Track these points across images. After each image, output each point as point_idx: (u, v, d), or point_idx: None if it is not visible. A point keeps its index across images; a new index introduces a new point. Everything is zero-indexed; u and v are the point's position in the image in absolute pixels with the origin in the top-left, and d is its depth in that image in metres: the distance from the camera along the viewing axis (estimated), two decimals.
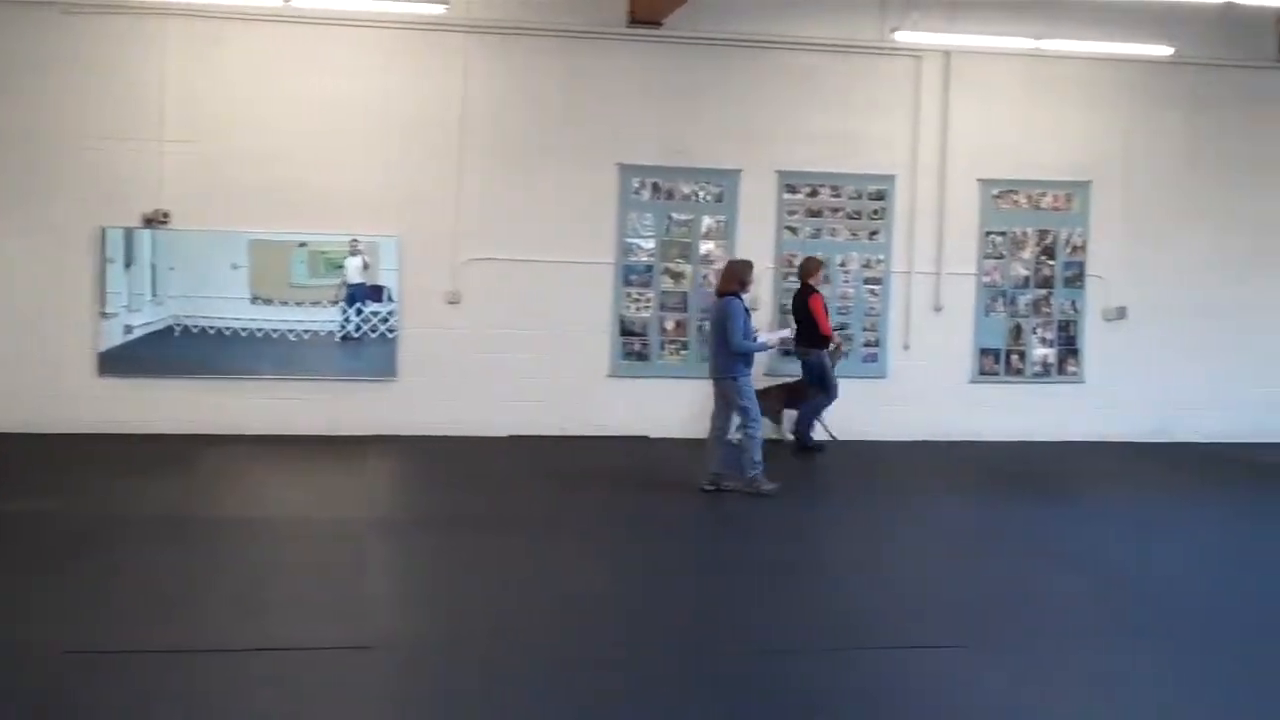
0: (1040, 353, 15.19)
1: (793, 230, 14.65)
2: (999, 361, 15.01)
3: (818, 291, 13.89)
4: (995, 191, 14.96)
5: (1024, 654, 7.31)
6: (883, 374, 14.80)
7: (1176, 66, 14.87)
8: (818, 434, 14.02)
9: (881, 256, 14.79)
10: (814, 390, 13.89)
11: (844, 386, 14.03)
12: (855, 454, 13.79)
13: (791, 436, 13.96)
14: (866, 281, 14.81)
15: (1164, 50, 14.19)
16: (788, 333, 12.86)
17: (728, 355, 11.26)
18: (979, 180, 14.87)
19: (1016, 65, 14.73)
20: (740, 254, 14.38)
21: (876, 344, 14.84)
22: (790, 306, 14.13)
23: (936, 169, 14.77)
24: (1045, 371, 15.19)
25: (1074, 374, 15.23)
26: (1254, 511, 11.77)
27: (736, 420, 11.42)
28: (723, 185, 14.47)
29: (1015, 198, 15.02)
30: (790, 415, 14.10)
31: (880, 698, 6.55)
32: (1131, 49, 14.26)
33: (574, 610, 7.86)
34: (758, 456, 11.29)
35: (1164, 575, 9.23)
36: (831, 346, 13.95)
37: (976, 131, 14.80)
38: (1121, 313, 15.17)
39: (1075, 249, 15.16)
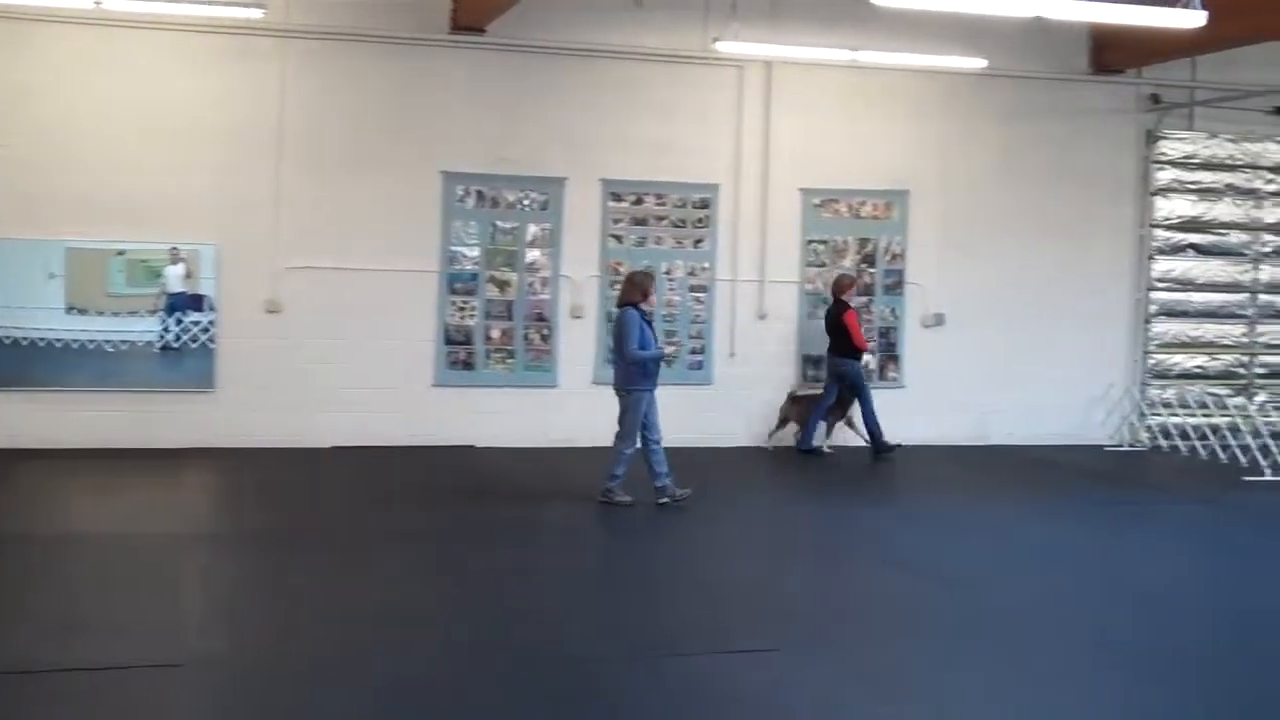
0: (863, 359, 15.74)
1: (618, 238, 14.99)
2: (821, 368, 15.52)
3: (851, 307, 14.74)
4: (817, 200, 15.48)
5: (840, 654, 7.60)
6: (708, 381, 15.21)
7: (991, 78, 15.54)
8: (819, 439, 14.91)
9: (706, 264, 15.21)
10: (849, 396, 14.86)
11: (670, 394, 14.38)
12: (686, 461, 14.16)
13: (828, 448, 14.93)
14: (692, 289, 15.22)
15: (978, 63, 14.81)
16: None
17: (625, 366, 11.46)
18: (800, 189, 15.38)
19: (836, 76, 15.26)
20: (565, 262, 14.75)
21: (702, 351, 15.24)
22: (824, 321, 14.97)
23: (759, 178, 15.24)
24: (868, 377, 15.74)
25: (894, 379, 15.84)
26: (1061, 511, 12.37)
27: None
28: (548, 193, 14.76)
29: (836, 206, 15.57)
30: (826, 424, 15.01)
31: (691, 705, 6.79)
32: (946, 61, 14.87)
33: (390, 624, 8.00)
34: (618, 471, 11.45)
35: (979, 574, 9.65)
36: (864, 359, 15.04)
37: (798, 141, 15.29)
38: (939, 319, 15.82)
39: (894, 257, 15.76)
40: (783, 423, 15.02)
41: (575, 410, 14.71)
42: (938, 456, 15.09)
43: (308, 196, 14.01)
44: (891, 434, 15.23)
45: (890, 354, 15.80)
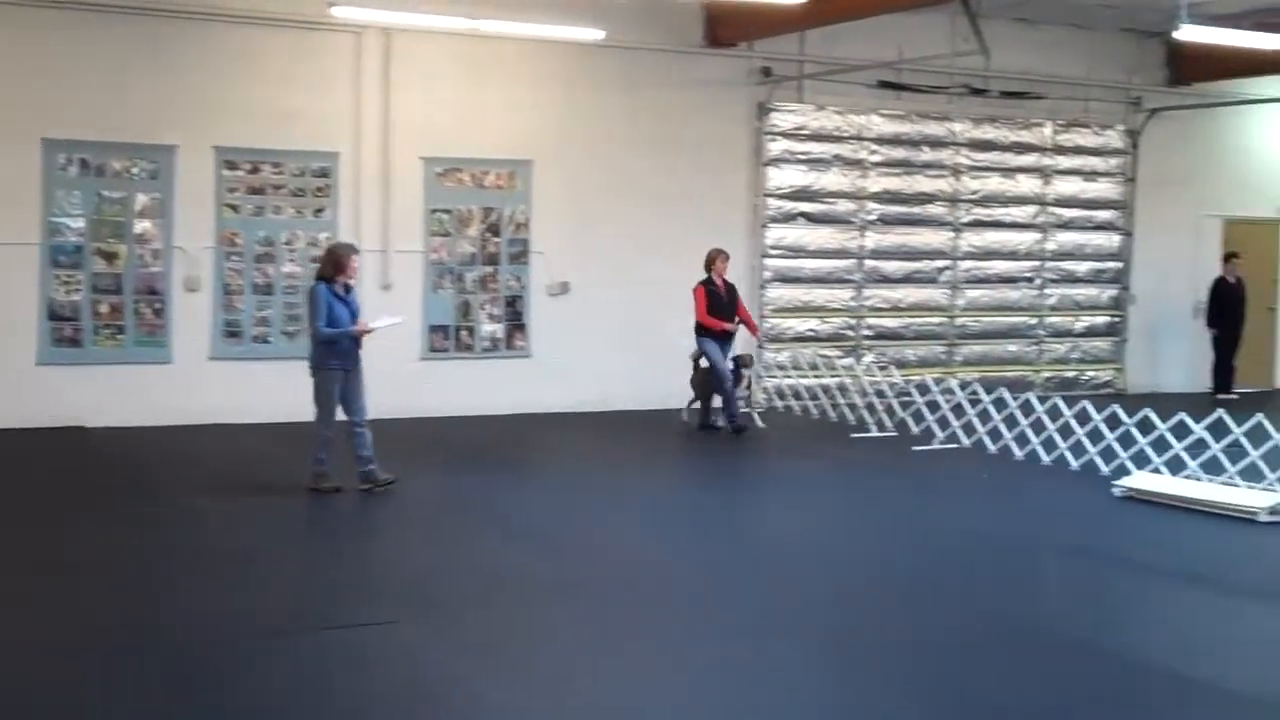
0: (489, 328, 16.17)
1: (234, 208, 14.88)
2: (449, 338, 15.86)
3: (702, 283, 15.01)
4: (439, 169, 15.76)
5: (462, 624, 7.82)
6: None
7: (610, 50, 16.12)
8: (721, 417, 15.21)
9: (327, 234, 15.25)
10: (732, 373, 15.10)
11: (292, 368, 14.42)
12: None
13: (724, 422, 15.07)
14: (313, 260, 15.15)
15: (596, 34, 15.34)
16: (397, 319, 12.50)
17: (314, 344, 11.15)
18: (422, 158, 15.62)
19: (457, 45, 15.51)
20: (178, 233, 14.55)
21: None
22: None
23: (380, 146, 15.38)
24: (494, 346, 16.17)
25: (522, 348, 16.31)
26: (687, 473, 13.10)
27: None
28: (158, 162, 14.51)
29: (459, 176, 15.88)
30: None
31: (309, 681, 6.85)
32: (565, 32, 15.36)
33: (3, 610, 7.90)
34: (320, 455, 11.17)
35: (603, 540, 10.05)
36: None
37: (419, 109, 15.51)
38: (564, 288, 16.38)
39: (519, 226, 16.20)
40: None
41: (193, 386, 14.57)
42: (564, 424, 15.64)
43: None
44: (519, 403, 15.71)
45: (517, 323, 16.25)
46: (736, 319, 15.15)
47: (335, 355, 11.08)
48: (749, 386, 15.78)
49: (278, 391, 14.78)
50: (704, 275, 15.13)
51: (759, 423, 15.51)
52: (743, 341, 15.60)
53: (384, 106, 15.35)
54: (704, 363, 15.21)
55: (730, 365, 15.09)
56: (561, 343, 16.31)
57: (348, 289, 11.25)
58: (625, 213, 16.59)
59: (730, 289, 15.21)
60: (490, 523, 10.57)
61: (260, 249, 14.99)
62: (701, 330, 15.04)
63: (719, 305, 14.95)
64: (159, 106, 14.41)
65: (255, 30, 14.77)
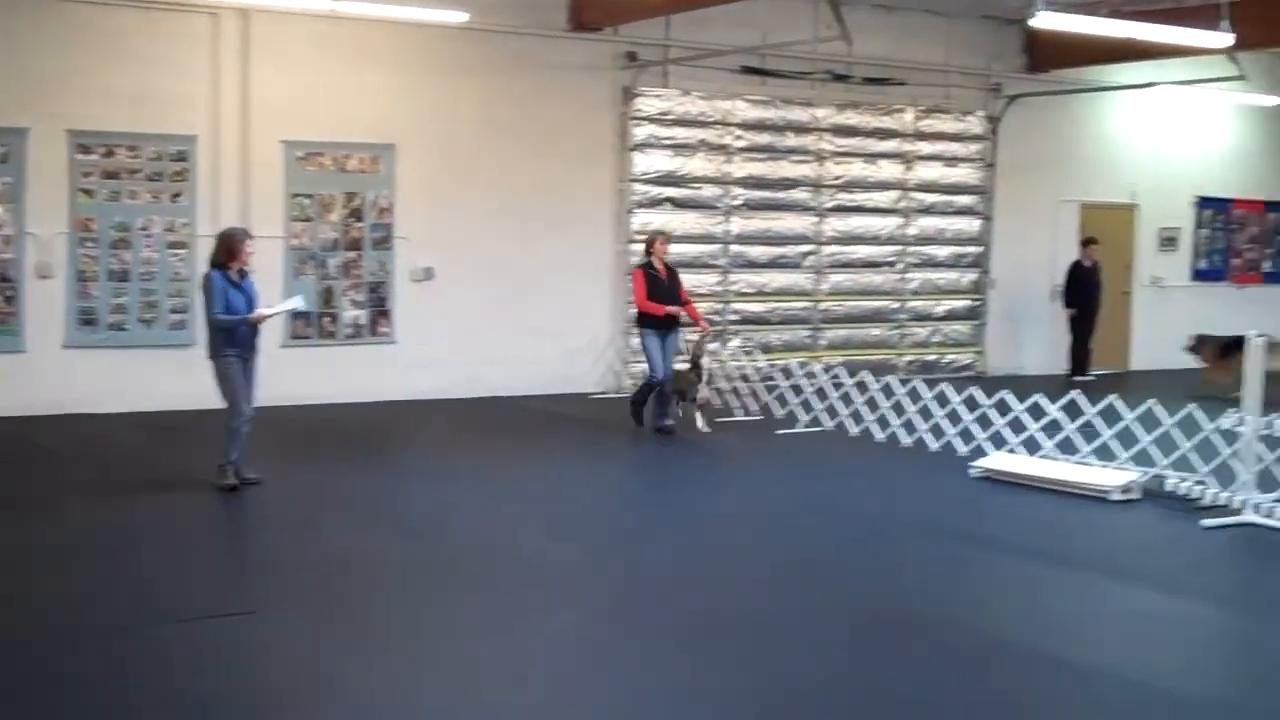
0: (352, 314, 16.08)
1: (88, 193, 14.62)
2: (311, 324, 15.74)
3: (642, 266, 14.35)
4: (300, 154, 15.61)
5: (321, 614, 7.84)
6: (191, 342, 15.06)
7: (474, 33, 16.07)
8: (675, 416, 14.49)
9: (186, 220, 15.06)
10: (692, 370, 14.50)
11: (151, 356, 14.30)
12: (177, 426, 14.10)
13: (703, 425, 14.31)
14: (171, 246, 15.05)
15: (459, 16, 15.28)
16: (296, 302, 12.25)
17: (211, 333, 10.92)
18: (283, 142, 15.47)
19: (317, 27, 15.35)
20: (30, 219, 14.28)
21: (184, 310, 15.11)
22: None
23: (239, 130, 15.18)
24: (358, 333, 16.09)
25: (386, 334, 16.24)
26: (552, 458, 13.09)
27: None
28: (8, 145, 14.18)
29: (321, 160, 15.74)
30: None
31: (154, 675, 6.82)
32: (428, 14, 15.28)
33: None
34: (228, 448, 10.95)
35: (467, 526, 10.09)
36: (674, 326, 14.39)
37: (279, 92, 15.34)
38: (428, 273, 16.34)
39: (382, 211, 16.12)
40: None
41: (47, 376, 14.32)
42: (431, 410, 15.63)
43: None
44: (384, 390, 15.67)
45: (381, 309, 16.18)
46: (681, 302, 14.41)
47: (232, 343, 10.88)
48: (706, 382, 14.80)
49: (135, 380, 14.67)
50: (643, 259, 14.56)
51: (701, 425, 14.40)
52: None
53: (243, 89, 15.17)
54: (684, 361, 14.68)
55: (687, 364, 14.59)
56: (426, 329, 16.27)
57: (243, 275, 11.05)
58: (490, 198, 16.58)
59: (672, 273, 14.54)
60: (355, 511, 10.54)
61: (116, 235, 14.75)
62: (642, 319, 14.35)
63: (659, 289, 14.23)
64: (9, 88, 14.11)
65: (109, 10, 14.52)
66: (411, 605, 8.10)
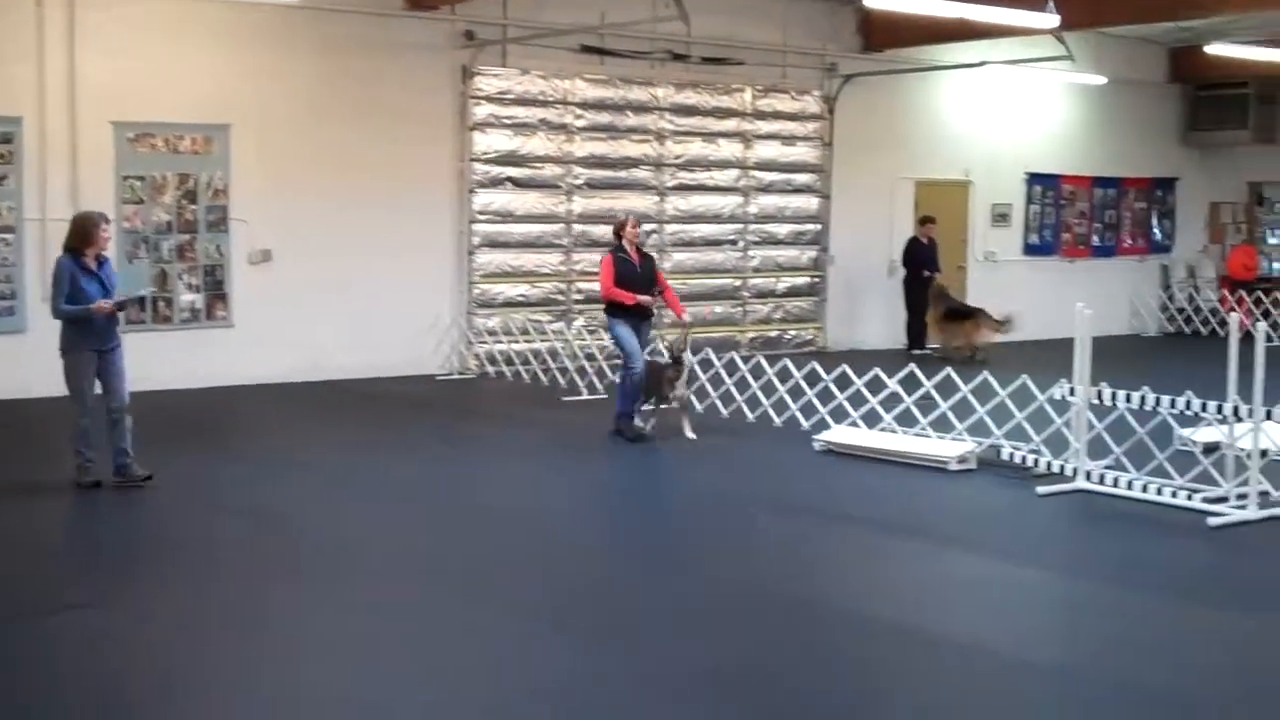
0: (188, 298, 15.82)
1: None
2: (145, 309, 15.43)
3: (611, 250, 13.03)
4: (131, 135, 15.29)
5: (160, 604, 7.77)
6: (22, 328, 14.71)
7: (307, 11, 15.86)
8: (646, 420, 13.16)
9: (12, 204, 14.67)
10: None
11: None
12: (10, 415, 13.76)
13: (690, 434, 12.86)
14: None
15: None
16: (141, 289, 11.50)
17: (62, 325, 10.31)
18: (113, 123, 15.13)
19: (145, 4, 15.03)
20: None
21: (13, 296, 14.75)
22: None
23: (67, 111, 14.82)
24: (194, 317, 15.83)
25: (224, 318, 16.00)
26: (397, 441, 13.05)
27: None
28: None
29: (153, 141, 15.43)
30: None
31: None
32: None
33: None
34: (79, 447, 10.41)
35: (313, 510, 10.03)
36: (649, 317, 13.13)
37: (108, 73, 14.95)
38: (266, 255, 16.13)
39: (217, 193, 15.85)
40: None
41: None
42: (272, 395, 15.45)
43: None
44: (223, 374, 15.43)
45: (218, 293, 15.94)
46: (656, 291, 13.06)
47: (85, 336, 10.28)
48: (683, 383, 13.04)
49: None
50: (612, 244, 13.35)
51: (688, 432, 12.89)
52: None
53: (69, 69, 14.80)
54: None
55: (666, 358, 13.45)
56: (265, 313, 16.07)
57: (100, 261, 10.45)
58: (329, 179, 16.41)
59: (646, 259, 13.22)
60: (201, 500, 10.40)
61: None
62: (611, 308, 12.99)
63: (631, 276, 12.82)
64: None
65: None
66: (260, 593, 8.04)
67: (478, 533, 9.58)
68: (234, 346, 15.88)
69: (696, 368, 14.08)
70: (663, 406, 13.04)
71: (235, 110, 15.80)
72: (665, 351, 13.42)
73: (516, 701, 6.36)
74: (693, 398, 13.57)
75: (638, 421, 12.98)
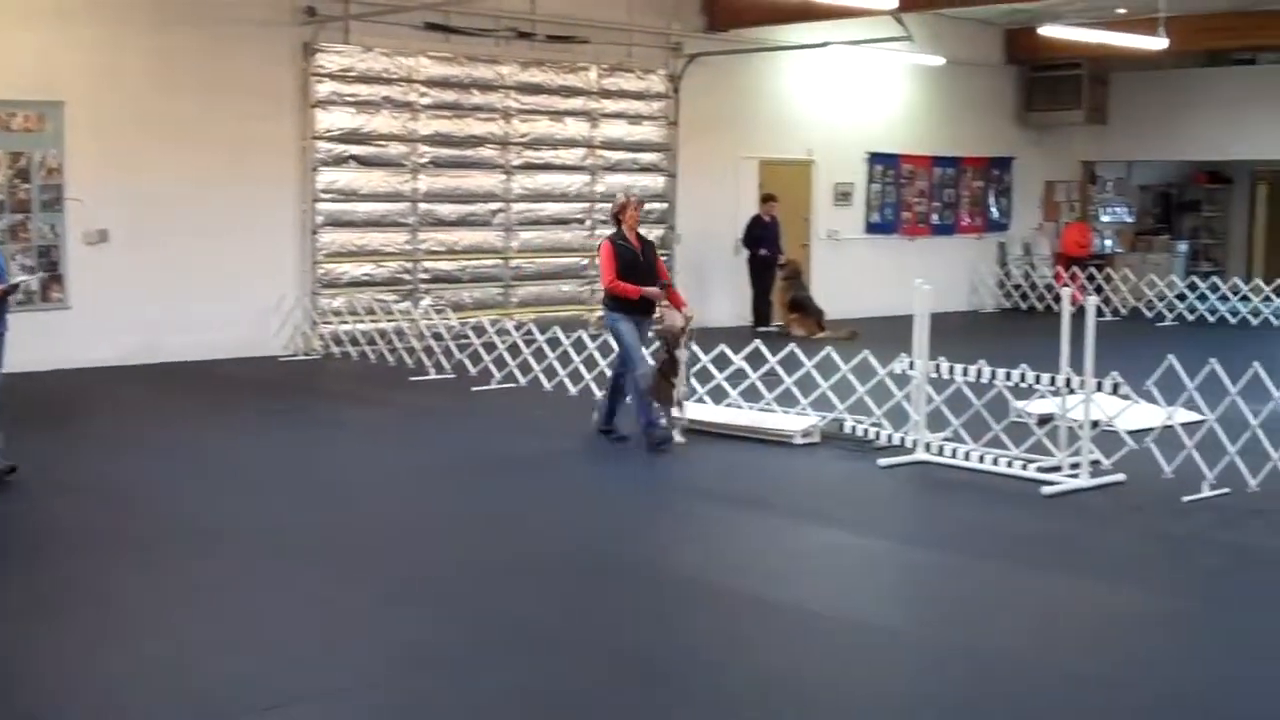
0: (22, 279, 15.42)
1: None
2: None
3: (610, 238, 11.70)
4: None
5: (5, 587, 7.71)
6: None
7: None
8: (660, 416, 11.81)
9: None
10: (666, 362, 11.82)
11: None
12: None
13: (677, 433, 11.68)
14: None
15: None
16: (28, 274, 10.77)
17: None
18: None
19: None
20: None
21: None
22: None
23: None
24: (28, 299, 15.44)
25: (59, 300, 15.66)
26: (240, 423, 12.91)
27: None
28: None
29: None
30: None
31: None
32: None
33: None
34: None
35: (161, 493, 9.91)
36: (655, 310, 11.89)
37: None
38: (103, 235, 15.81)
39: (51, 171, 15.49)
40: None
41: None
42: (112, 378, 15.18)
43: None
44: (61, 358, 15.10)
45: (53, 274, 15.60)
46: (661, 283, 11.85)
47: None
48: (677, 377, 11.77)
49: None
50: (612, 229, 11.98)
51: (678, 436, 11.76)
52: None
53: None
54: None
55: (659, 348, 11.99)
56: (103, 294, 15.75)
57: None
58: (168, 156, 16.13)
59: (647, 246, 11.91)
60: (50, 482, 10.20)
61: None
62: (612, 302, 11.69)
63: (633, 266, 11.59)
64: None
65: None
66: (106, 572, 7.96)
67: (330, 510, 9.57)
68: (71, 329, 15.55)
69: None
70: (674, 412, 11.74)
71: (69, 87, 15.45)
72: (660, 341, 11.98)
73: (356, 669, 6.41)
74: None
75: (661, 423, 11.66)
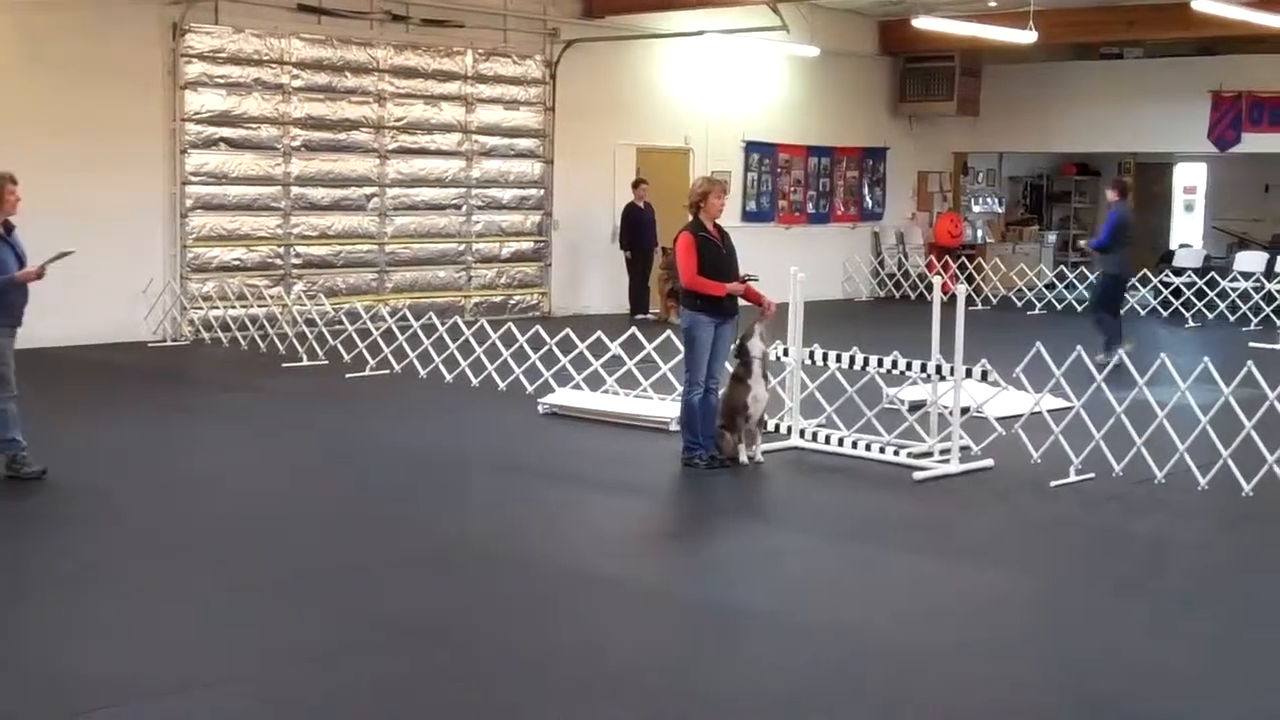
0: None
1: None
2: None
3: (689, 229, 10.40)
4: None
5: None
6: None
7: None
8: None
9: None
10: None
11: None
12: None
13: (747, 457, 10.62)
14: None
15: None
16: (67, 251, 10.02)
17: None
18: None
19: None
20: None
21: None
22: None
23: None
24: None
25: None
26: (110, 411, 12.75)
27: None
28: None
29: None
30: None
31: None
32: None
33: None
34: (12, 435, 9.51)
35: (20, 485, 9.74)
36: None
37: None
38: None
39: None
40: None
41: None
42: None
43: None
44: None
45: None
46: (744, 278, 10.73)
47: (9, 311, 9.43)
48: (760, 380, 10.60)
49: None
50: (689, 219, 10.54)
51: (758, 456, 10.66)
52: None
53: None
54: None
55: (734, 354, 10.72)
56: None
57: (9, 228, 9.51)
58: (32, 137, 15.78)
59: (726, 237, 10.55)
60: None
61: None
62: (691, 300, 10.42)
63: (715, 260, 10.31)
64: None
65: None
66: None
67: (203, 501, 9.51)
68: None
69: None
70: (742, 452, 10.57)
71: None
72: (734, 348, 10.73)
73: (222, 665, 6.43)
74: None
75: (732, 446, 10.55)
